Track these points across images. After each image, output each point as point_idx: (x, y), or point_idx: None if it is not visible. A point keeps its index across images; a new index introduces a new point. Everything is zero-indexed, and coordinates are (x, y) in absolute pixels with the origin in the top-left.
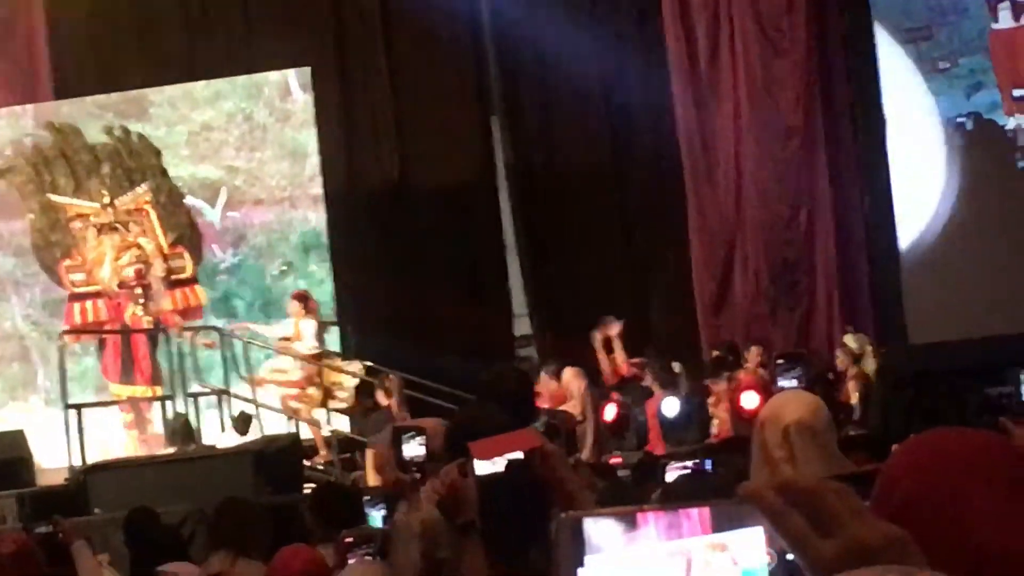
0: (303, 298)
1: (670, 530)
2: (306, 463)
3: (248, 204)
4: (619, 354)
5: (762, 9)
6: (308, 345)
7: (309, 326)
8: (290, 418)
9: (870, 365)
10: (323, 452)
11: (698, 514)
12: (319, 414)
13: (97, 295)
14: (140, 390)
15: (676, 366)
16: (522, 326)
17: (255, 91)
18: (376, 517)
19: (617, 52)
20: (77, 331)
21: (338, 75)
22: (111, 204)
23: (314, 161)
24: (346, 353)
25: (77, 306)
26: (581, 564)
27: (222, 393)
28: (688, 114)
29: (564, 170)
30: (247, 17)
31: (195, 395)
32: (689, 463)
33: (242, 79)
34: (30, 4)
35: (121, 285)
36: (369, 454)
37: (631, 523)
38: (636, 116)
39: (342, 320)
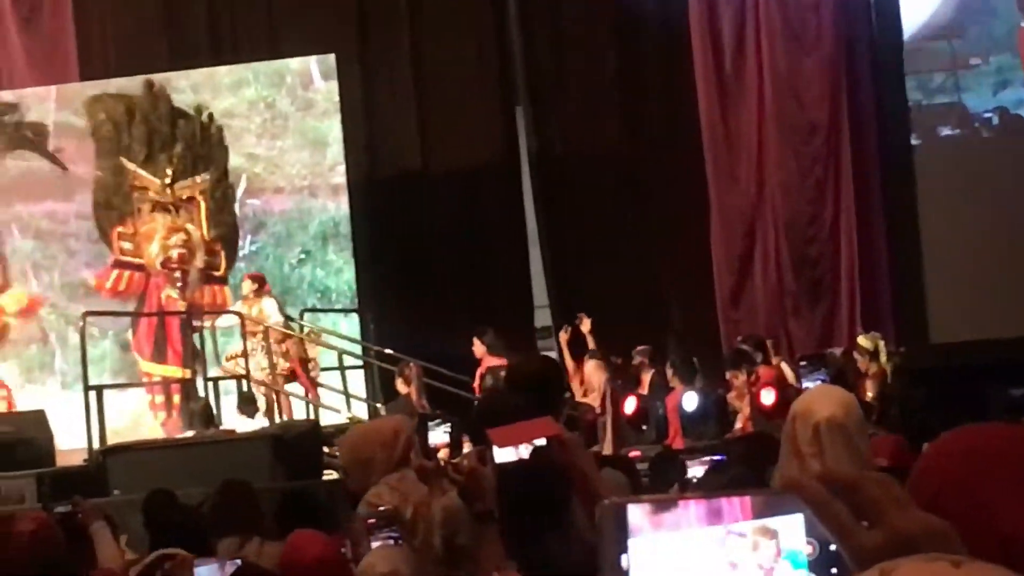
0: (259, 279)
1: (712, 517)
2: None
3: (268, 192)
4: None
5: (789, 5)
6: (275, 322)
7: (271, 305)
8: (309, 403)
9: (885, 364)
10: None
11: (739, 503)
12: (339, 401)
13: (139, 267)
14: (171, 370)
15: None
16: (543, 317)
17: (277, 79)
18: None
19: (642, 44)
20: (100, 313)
21: (361, 62)
22: (171, 185)
23: (335, 150)
24: (366, 340)
25: (115, 272)
26: (625, 550)
27: (241, 378)
28: (711, 107)
29: (587, 161)
30: (271, 2)
31: (215, 379)
32: (707, 458)
33: (264, 67)
34: None
35: (164, 264)
36: None
37: (673, 509)
38: (659, 108)
39: (362, 308)
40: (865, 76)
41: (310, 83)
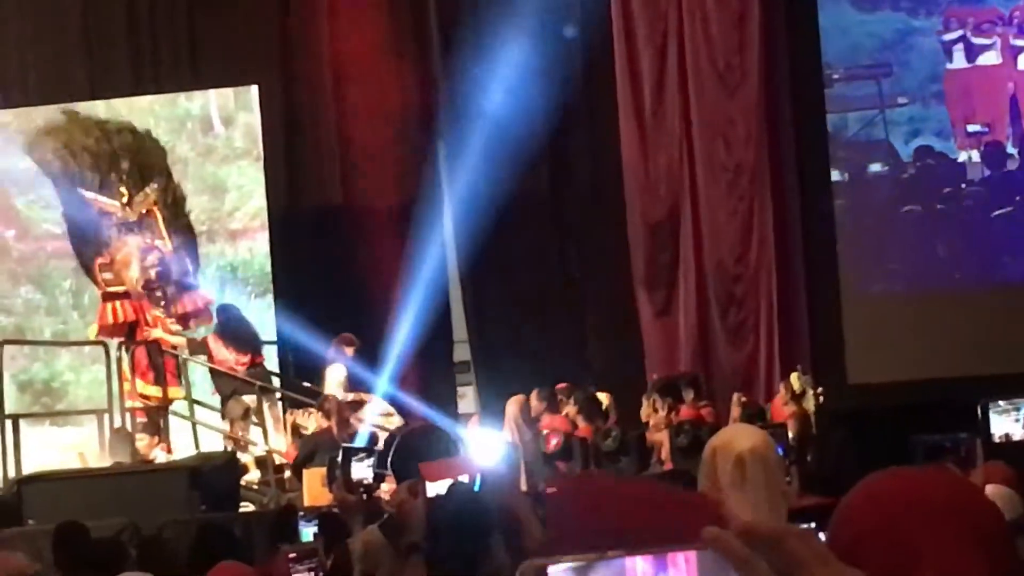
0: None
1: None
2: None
3: None
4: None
5: (715, 45)
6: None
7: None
8: (227, 439)
9: (810, 406)
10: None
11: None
12: (256, 435)
13: (125, 295)
14: (172, 391)
15: (604, 397)
16: (462, 352)
17: (177, 125)
18: (307, 534)
19: (566, 82)
20: (18, 342)
21: (284, 94)
22: (129, 203)
23: (233, 196)
24: (285, 374)
25: (109, 306)
26: None
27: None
28: (631, 147)
29: (508, 199)
30: (193, 34)
31: (132, 410)
32: None
33: (165, 112)
34: None
35: (145, 286)
36: (307, 475)
37: (600, 569)
38: (583, 147)
39: (281, 342)
40: (785, 115)
41: (210, 128)
